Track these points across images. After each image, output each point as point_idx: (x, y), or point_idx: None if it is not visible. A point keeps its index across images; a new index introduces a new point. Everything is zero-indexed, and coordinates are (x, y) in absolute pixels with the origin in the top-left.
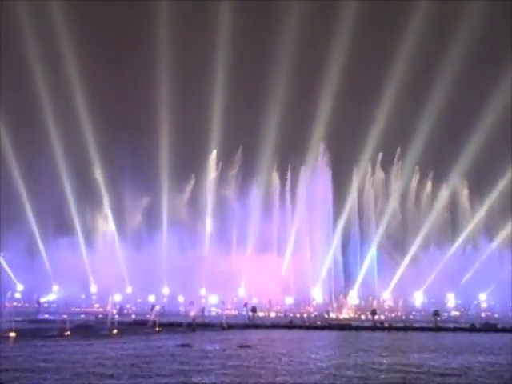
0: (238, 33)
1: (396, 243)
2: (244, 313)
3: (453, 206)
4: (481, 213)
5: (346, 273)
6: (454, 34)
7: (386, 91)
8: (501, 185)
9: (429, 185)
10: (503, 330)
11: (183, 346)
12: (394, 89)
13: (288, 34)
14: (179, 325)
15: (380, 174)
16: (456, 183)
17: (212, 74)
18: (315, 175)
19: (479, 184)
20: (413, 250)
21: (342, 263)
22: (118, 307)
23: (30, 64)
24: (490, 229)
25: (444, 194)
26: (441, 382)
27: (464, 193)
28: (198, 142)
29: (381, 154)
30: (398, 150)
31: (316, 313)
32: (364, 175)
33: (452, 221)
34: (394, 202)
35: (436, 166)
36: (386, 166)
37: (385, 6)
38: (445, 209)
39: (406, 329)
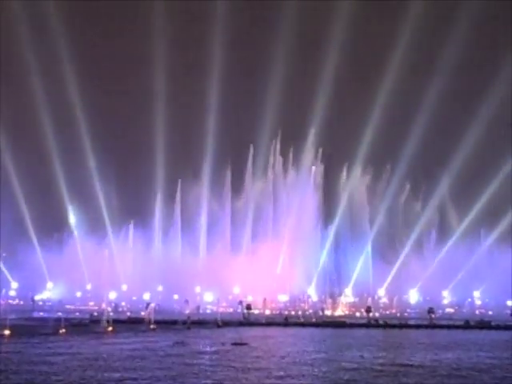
0: (230, 34)
1: (389, 241)
2: (239, 310)
3: (443, 208)
4: (472, 212)
5: (341, 270)
6: (443, 50)
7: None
8: (494, 181)
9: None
10: (497, 328)
11: (177, 343)
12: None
13: (278, 47)
14: (174, 322)
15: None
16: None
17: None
18: (308, 177)
19: (470, 183)
20: (406, 248)
21: (336, 261)
22: (112, 305)
23: (28, 65)
24: (483, 227)
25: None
26: (433, 378)
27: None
28: (194, 144)
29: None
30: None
31: (311, 310)
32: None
33: (443, 220)
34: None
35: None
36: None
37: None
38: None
39: (400, 326)
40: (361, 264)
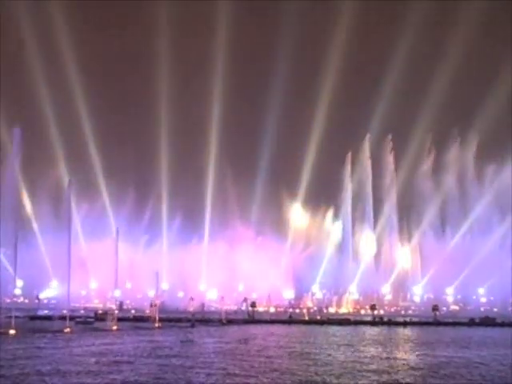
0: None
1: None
2: (243, 308)
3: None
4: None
5: (345, 268)
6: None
7: None
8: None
9: None
10: (502, 325)
11: (182, 341)
12: None
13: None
14: (179, 320)
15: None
16: None
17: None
18: None
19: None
20: (412, 244)
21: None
22: (117, 303)
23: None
24: (488, 224)
25: None
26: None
27: None
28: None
29: None
30: None
31: (315, 308)
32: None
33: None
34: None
35: None
36: None
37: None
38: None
39: (405, 324)
40: (365, 261)
